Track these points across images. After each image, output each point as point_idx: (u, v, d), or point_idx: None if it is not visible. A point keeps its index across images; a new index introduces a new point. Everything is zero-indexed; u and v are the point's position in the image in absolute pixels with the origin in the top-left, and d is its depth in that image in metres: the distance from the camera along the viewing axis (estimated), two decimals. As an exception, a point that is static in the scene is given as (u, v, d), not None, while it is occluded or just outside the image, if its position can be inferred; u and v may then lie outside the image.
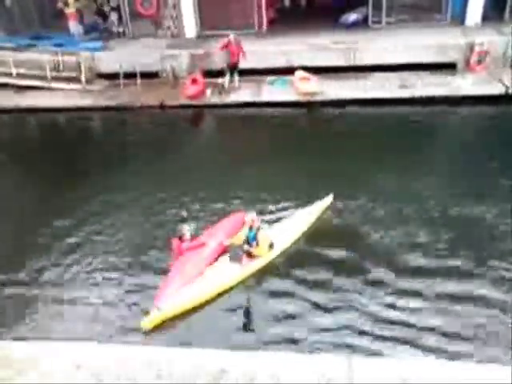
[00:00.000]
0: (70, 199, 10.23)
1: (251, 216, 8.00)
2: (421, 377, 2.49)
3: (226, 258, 8.03)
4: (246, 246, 7.95)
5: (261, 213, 8.79)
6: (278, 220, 8.95)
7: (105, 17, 18.30)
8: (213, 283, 7.48)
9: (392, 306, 7.07)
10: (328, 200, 9.23)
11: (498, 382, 2.40)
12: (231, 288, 7.58)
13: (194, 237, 8.11)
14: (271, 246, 8.05)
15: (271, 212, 9.25)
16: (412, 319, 6.84)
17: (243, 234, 8.05)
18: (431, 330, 6.66)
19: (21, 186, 11.39)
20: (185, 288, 7.36)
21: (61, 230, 9.17)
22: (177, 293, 7.24)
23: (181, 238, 7.96)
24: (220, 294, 7.46)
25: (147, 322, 6.84)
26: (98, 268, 8.17)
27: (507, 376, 2.46)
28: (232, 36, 14.65)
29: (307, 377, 2.67)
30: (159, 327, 6.91)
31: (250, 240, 7.90)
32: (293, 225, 8.67)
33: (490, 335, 6.49)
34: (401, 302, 7.14)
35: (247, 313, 7.24)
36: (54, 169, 11.85)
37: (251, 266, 7.86)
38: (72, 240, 8.90)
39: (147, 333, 6.80)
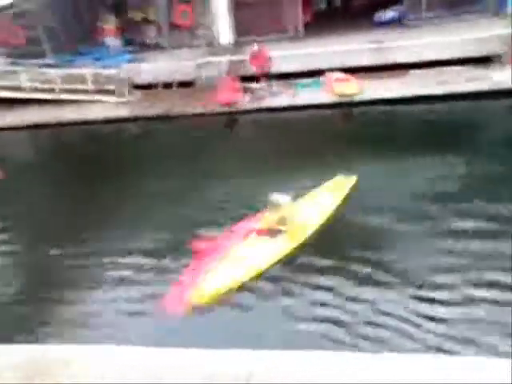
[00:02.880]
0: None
1: (283, 198, 8.33)
2: (426, 373, 2.32)
3: (262, 239, 8.25)
4: (279, 227, 8.23)
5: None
6: (307, 201, 9.18)
7: (142, 30, 18.79)
8: (251, 264, 7.77)
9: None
10: (352, 180, 9.44)
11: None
12: (268, 268, 7.84)
13: (213, 238, 8.33)
14: (304, 224, 8.34)
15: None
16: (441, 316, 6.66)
17: (272, 216, 8.33)
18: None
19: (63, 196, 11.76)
20: (226, 269, 7.68)
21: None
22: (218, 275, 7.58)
23: (201, 239, 8.21)
24: (258, 274, 7.73)
25: (198, 299, 7.18)
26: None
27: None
28: (256, 46, 14.78)
29: (315, 374, 2.54)
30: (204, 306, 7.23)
31: (282, 220, 8.20)
32: (322, 205, 8.96)
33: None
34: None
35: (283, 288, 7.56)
36: (100, 175, 12.24)
37: (287, 246, 8.13)
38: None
39: (195, 311, 7.11)
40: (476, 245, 7.83)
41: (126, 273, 8.21)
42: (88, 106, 16.06)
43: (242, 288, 7.64)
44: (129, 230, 9.50)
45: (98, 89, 16.39)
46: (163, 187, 10.98)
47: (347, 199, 9.18)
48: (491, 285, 6.95)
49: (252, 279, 7.72)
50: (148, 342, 6.41)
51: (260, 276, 7.79)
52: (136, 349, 3.90)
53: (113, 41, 18.05)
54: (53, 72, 16.63)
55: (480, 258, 7.52)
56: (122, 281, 8.07)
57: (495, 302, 6.65)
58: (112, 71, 16.17)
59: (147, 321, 7.14)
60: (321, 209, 8.90)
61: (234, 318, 7.12)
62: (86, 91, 16.44)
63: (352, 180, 9.48)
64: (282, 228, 8.27)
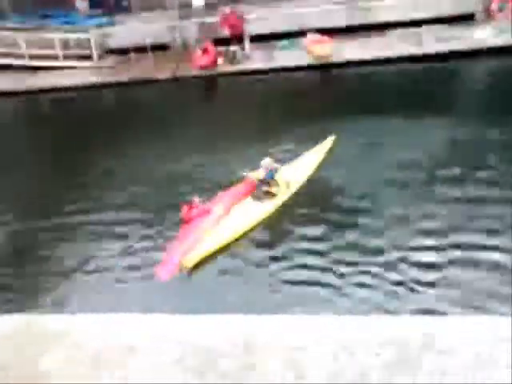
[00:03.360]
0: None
1: (267, 160, 8.58)
2: (435, 332, 2.38)
3: (249, 199, 8.61)
4: (264, 187, 8.57)
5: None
6: (290, 162, 9.44)
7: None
8: (239, 222, 8.08)
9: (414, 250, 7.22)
10: (330, 140, 9.73)
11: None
12: (257, 225, 8.17)
13: (203, 203, 8.32)
14: (288, 184, 8.65)
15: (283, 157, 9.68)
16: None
17: (260, 175, 8.62)
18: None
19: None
20: (218, 227, 7.97)
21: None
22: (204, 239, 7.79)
23: (191, 205, 8.17)
24: (247, 232, 8.03)
25: (188, 261, 7.35)
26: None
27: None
28: (227, 9, 14.34)
29: (323, 339, 2.57)
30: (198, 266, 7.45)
31: (267, 180, 8.53)
32: (304, 165, 9.30)
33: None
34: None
35: (271, 243, 7.89)
36: (75, 144, 11.93)
37: (272, 204, 8.49)
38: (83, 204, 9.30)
39: (189, 271, 7.33)
40: (457, 206, 8.03)
41: (116, 241, 8.16)
42: (59, 73, 15.49)
43: (229, 249, 7.79)
44: (113, 199, 9.39)
45: (68, 54, 15.84)
46: (147, 153, 10.86)
47: (327, 158, 9.46)
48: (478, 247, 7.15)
49: (240, 238, 7.94)
50: (143, 308, 6.45)
51: (247, 234, 8.04)
52: (136, 316, 3.86)
53: (80, 3, 17.29)
54: (18, 35, 15.92)
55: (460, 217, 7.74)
56: (112, 248, 8.02)
57: (481, 264, 6.85)
58: (83, 35, 15.59)
59: (141, 287, 7.16)
60: (303, 168, 9.22)
61: (227, 280, 7.20)
62: (55, 57, 15.86)
63: (331, 139, 9.75)
64: (273, 190, 8.49)
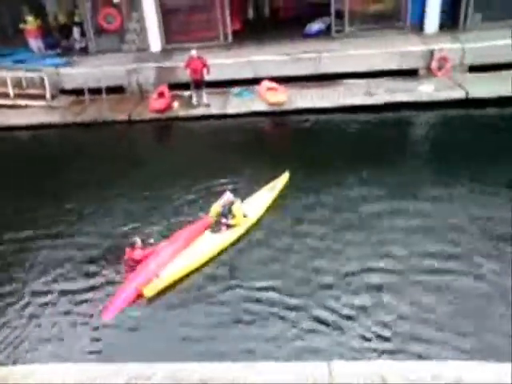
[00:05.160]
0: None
1: (227, 196, 9.16)
2: (403, 377, 2.50)
3: (209, 231, 8.99)
4: (223, 220, 9.01)
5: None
6: (247, 197, 9.88)
7: (67, 33, 18.09)
8: (200, 253, 8.43)
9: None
10: (285, 177, 10.40)
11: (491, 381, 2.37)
12: (217, 255, 8.55)
13: (147, 245, 8.34)
14: (245, 215, 9.14)
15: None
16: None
17: (217, 209, 9.11)
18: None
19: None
20: (177, 258, 8.20)
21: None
22: (170, 264, 8.07)
23: (133, 247, 8.11)
24: (208, 261, 8.39)
25: (149, 290, 7.58)
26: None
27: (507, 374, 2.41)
28: (194, 52, 14.41)
29: None
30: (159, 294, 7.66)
31: (225, 214, 8.99)
32: (260, 199, 9.86)
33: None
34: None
35: (231, 272, 8.19)
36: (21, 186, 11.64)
37: (231, 235, 8.88)
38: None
39: (149, 300, 7.54)
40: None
41: (60, 284, 8.01)
42: (12, 112, 15.21)
43: (186, 281, 7.94)
44: (59, 239, 9.26)
45: (20, 93, 15.62)
46: (98, 194, 10.76)
47: (282, 193, 10.04)
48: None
49: (194, 271, 8.14)
50: (96, 355, 6.28)
51: (201, 268, 8.22)
52: (81, 366, 3.81)
53: (36, 43, 17.21)
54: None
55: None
56: (57, 291, 7.84)
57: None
58: (36, 75, 15.46)
59: (88, 332, 6.98)
60: (260, 202, 9.70)
61: (175, 320, 7.17)
62: (6, 95, 15.60)
63: (285, 177, 10.37)
64: (231, 222, 8.89)
